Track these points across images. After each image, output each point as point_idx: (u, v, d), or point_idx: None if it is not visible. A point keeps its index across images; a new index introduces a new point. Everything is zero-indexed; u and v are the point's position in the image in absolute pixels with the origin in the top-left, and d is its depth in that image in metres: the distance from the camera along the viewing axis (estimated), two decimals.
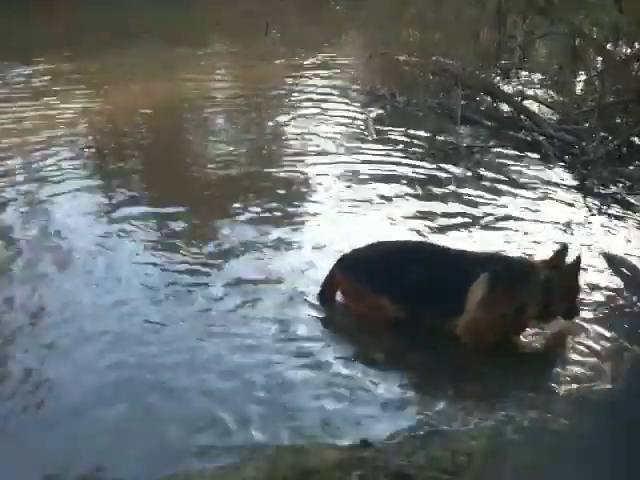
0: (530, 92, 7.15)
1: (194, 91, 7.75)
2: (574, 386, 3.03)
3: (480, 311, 3.17)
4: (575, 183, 5.07)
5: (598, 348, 3.23)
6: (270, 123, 6.78)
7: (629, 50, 7.22)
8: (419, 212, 4.59)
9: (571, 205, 4.80)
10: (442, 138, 5.95)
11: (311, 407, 2.84)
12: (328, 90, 7.86)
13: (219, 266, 3.85)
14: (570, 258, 3.25)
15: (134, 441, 2.62)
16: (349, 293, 3.47)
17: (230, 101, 7.49)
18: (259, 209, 4.56)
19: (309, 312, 3.43)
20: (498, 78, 7.53)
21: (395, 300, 3.31)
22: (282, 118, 6.85)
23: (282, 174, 5.27)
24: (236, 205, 4.61)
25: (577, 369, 3.12)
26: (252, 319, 3.37)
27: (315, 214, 4.56)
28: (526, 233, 4.31)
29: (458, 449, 2.60)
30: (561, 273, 3.21)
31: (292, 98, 7.64)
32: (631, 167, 5.17)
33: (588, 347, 3.24)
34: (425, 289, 3.25)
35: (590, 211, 4.72)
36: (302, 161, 5.59)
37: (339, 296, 3.52)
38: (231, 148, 5.93)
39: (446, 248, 3.50)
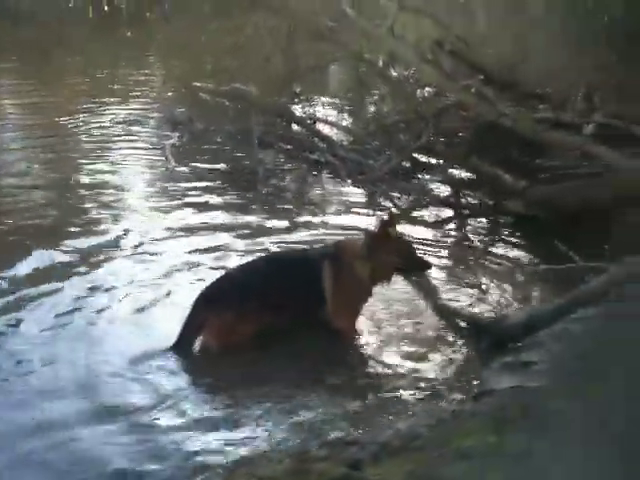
0: (324, 115, 7.50)
1: None
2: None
3: (338, 295, 3.50)
4: (365, 199, 5.41)
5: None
6: (64, 154, 6.58)
7: (406, 73, 7.87)
8: (219, 235, 4.74)
9: (364, 219, 5.11)
10: (241, 163, 6.06)
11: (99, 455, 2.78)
12: (126, 117, 7.67)
13: None
14: None
15: None
16: (220, 327, 3.45)
17: (23, 128, 7.19)
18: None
19: None
20: (293, 102, 7.81)
21: (270, 313, 3.48)
22: (78, 147, 6.71)
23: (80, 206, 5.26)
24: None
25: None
26: None
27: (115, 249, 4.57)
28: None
29: (264, 475, 2.62)
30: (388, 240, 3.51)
31: (89, 125, 7.40)
32: (413, 181, 5.62)
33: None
34: (291, 293, 3.50)
35: None
36: (101, 193, 5.54)
37: None
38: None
39: (290, 251, 4.02)
